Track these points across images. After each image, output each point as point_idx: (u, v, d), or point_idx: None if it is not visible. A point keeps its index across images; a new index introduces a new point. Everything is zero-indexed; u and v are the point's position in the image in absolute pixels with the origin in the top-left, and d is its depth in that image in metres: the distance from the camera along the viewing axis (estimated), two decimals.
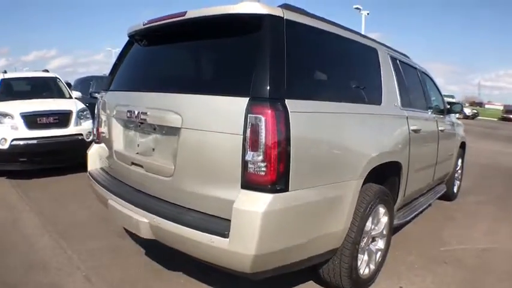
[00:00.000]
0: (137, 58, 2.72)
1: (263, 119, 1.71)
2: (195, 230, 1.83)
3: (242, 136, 1.76)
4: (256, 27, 1.88)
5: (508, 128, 25.45)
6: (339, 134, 2.11)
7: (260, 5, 1.90)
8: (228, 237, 1.74)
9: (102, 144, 2.84)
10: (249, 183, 1.76)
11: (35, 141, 5.03)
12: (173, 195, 2.11)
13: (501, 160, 9.19)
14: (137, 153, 2.40)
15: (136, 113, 2.27)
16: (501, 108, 53.07)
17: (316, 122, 1.96)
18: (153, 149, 2.29)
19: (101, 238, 3.24)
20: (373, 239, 2.60)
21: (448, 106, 4.53)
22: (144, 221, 2.07)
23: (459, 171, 5.20)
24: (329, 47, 2.35)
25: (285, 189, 1.76)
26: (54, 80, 6.64)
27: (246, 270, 1.79)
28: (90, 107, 5.79)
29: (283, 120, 1.74)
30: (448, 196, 4.80)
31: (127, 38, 2.81)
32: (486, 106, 52.88)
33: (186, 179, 2.02)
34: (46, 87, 6.42)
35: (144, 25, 2.45)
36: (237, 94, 1.82)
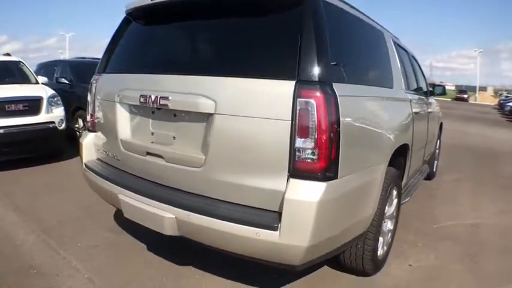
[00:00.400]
0: (145, 37, 2.48)
1: (314, 103, 1.63)
2: (235, 224, 1.72)
3: (290, 122, 1.67)
4: (300, 6, 1.78)
5: (462, 107, 27.28)
6: (374, 118, 2.11)
7: None
8: (277, 230, 1.66)
9: (99, 133, 2.59)
10: (299, 171, 1.67)
11: (2, 131, 4.54)
12: (203, 187, 1.96)
13: (464, 139, 9.80)
14: (152, 142, 2.20)
15: (153, 98, 2.05)
16: (453, 88, 56.44)
17: (357, 106, 1.92)
18: (174, 137, 2.11)
19: (93, 235, 3.00)
20: (385, 221, 2.64)
21: (431, 89, 4.69)
22: (169, 216, 1.92)
23: (437, 151, 5.46)
24: (356, 30, 2.34)
25: (335, 176, 1.71)
26: (17, 64, 5.98)
27: (295, 263, 1.73)
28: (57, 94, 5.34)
29: (333, 104, 1.67)
30: (429, 175, 5.02)
31: (122, 17, 2.56)
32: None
33: (220, 169, 1.88)
34: (9, 72, 5.76)
35: (152, 0, 2.22)
36: (281, 77, 1.72)
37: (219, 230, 1.77)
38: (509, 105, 23.21)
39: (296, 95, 1.65)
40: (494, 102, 34.68)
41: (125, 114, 2.34)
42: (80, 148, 2.69)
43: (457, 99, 38.93)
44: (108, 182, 2.31)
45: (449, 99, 38.41)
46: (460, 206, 4.20)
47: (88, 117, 2.71)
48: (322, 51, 1.71)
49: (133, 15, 2.51)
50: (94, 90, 2.60)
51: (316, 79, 1.67)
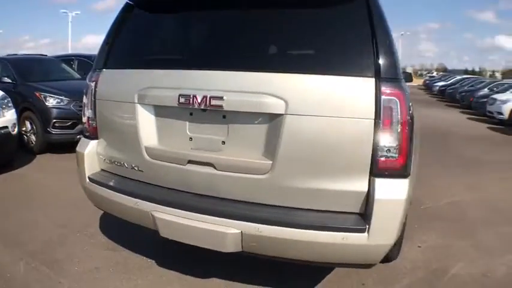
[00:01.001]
0: (173, 24, 2.20)
1: (397, 101, 1.62)
2: (318, 231, 1.64)
3: (373, 120, 1.62)
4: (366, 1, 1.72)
5: None
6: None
7: None
8: (365, 232, 1.62)
9: (104, 140, 2.27)
10: (383, 170, 1.64)
11: None
12: (269, 195, 1.79)
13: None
14: (192, 148, 1.95)
15: (199, 98, 1.81)
16: None
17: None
18: (223, 142, 1.89)
19: (90, 255, 2.64)
20: None
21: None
22: (233, 232, 1.73)
23: None
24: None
25: (410, 172, 1.71)
26: None
27: (376, 261, 1.71)
28: None
29: (408, 101, 1.67)
30: None
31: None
32: None
33: (291, 174, 1.74)
34: None
35: None
36: (356, 73, 1.66)
37: (297, 240, 1.66)
38: (437, 85, 25.61)
39: (379, 93, 1.61)
40: (417, 82, 37.64)
41: (148, 117, 2.04)
42: (78, 158, 2.33)
43: None
44: (133, 198, 2.01)
45: None
46: (434, 187, 4.46)
47: (85, 122, 2.35)
48: (394, 45, 1.68)
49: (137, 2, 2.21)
50: (93, 90, 2.25)
51: (396, 76, 1.65)
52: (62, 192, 3.92)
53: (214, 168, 1.87)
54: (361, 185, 1.67)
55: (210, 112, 1.87)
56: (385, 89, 1.62)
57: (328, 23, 1.80)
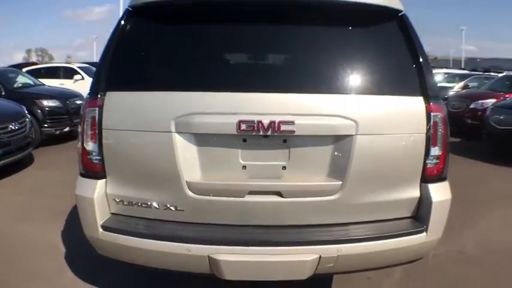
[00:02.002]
0: (215, 40, 1.87)
1: (441, 116, 1.82)
2: (390, 239, 1.77)
3: (425, 134, 1.80)
4: (406, 25, 1.87)
5: None
6: None
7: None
8: (424, 231, 1.81)
9: (113, 178, 1.85)
10: (431, 176, 1.85)
11: None
12: (340, 214, 1.82)
13: None
14: (250, 178, 1.79)
15: (265, 123, 1.67)
16: None
17: None
18: (284, 167, 1.80)
19: None
20: None
21: None
22: (312, 258, 1.70)
23: None
24: None
25: (447, 174, 1.93)
26: None
27: (427, 254, 1.99)
28: None
29: (447, 115, 1.88)
30: None
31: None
32: None
33: (360, 191, 1.79)
34: None
35: None
36: (411, 94, 1.81)
37: (374, 251, 1.75)
38: None
39: (428, 110, 1.80)
40: None
41: (189, 147, 1.75)
42: (82, 205, 1.85)
43: None
44: (182, 244, 1.71)
45: None
46: None
47: (84, 157, 1.87)
48: (430, 66, 1.88)
49: (185, 9, 1.85)
50: (97, 118, 1.81)
51: (437, 94, 1.86)
52: None
53: (281, 196, 1.77)
54: (415, 192, 1.86)
55: (271, 137, 1.73)
56: (432, 106, 1.81)
57: (386, 49, 1.91)
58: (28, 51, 74.24)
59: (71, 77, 11.08)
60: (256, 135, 1.71)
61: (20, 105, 5.71)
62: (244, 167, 1.79)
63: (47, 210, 3.70)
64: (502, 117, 5.88)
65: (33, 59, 62.88)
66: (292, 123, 1.69)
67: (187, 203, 1.79)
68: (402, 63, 1.85)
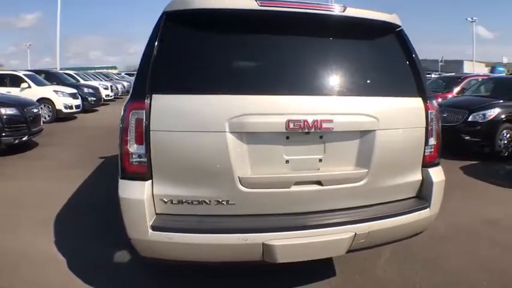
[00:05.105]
0: (264, 46, 2.07)
1: (435, 113, 2.26)
2: (407, 215, 2.12)
3: (425, 127, 2.22)
4: (404, 39, 2.27)
5: None
6: None
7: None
8: (428, 207, 2.21)
9: (160, 179, 1.89)
10: (428, 161, 2.27)
11: None
12: (363, 198, 2.13)
13: None
14: (294, 170, 2.00)
15: (310, 122, 1.92)
16: None
17: None
18: (320, 160, 2.04)
19: None
20: None
21: None
22: (348, 236, 1.97)
23: None
24: None
25: (439, 160, 2.36)
26: None
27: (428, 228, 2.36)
28: None
29: (439, 112, 2.35)
30: None
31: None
32: None
33: (380, 177, 2.12)
34: None
35: (261, 5, 1.95)
36: (409, 94, 2.22)
37: (396, 225, 2.10)
38: None
39: (426, 108, 2.22)
40: None
41: (240, 145, 1.89)
42: (129, 207, 1.85)
43: None
44: (238, 234, 1.84)
45: None
46: None
47: (127, 160, 1.88)
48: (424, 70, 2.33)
49: (216, 16, 2.00)
50: (144, 120, 1.84)
51: (431, 95, 2.28)
52: None
53: (321, 184, 2.03)
54: (418, 175, 2.27)
55: (311, 134, 1.97)
56: (429, 105, 2.23)
57: (394, 60, 2.29)
58: None
59: (17, 85, 10.35)
60: (298, 133, 1.94)
61: None
62: (287, 161, 2.00)
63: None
64: (444, 115, 6.42)
65: None
66: (331, 121, 1.97)
67: (238, 196, 1.93)
68: (406, 71, 2.26)
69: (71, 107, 10.86)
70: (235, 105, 1.89)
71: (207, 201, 1.92)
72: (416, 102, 2.23)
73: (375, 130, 2.08)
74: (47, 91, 10.62)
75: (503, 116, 6.11)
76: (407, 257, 2.91)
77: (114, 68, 55.08)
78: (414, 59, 2.27)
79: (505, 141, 6.15)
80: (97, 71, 28.99)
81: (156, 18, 2.03)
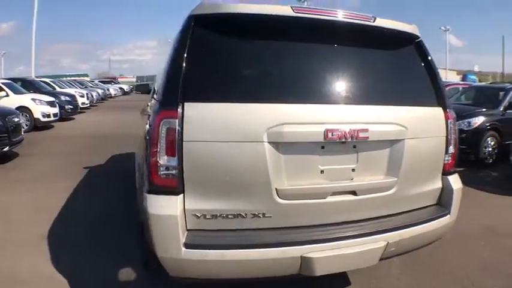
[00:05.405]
0: (289, 56, 2.01)
1: (453, 122, 2.32)
2: (432, 222, 2.15)
3: (445, 136, 2.27)
4: (423, 49, 2.32)
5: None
6: None
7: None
8: (448, 214, 2.25)
9: (193, 193, 1.79)
10: (448, 169, 2.31)
11: None
12: (396, 206, 2.15)
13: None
14: (330, 180, 1.97)
15: (347, 131, 1.90)
16: (134, 80, 60.81)
17: None
18: (353, 170, 2.02)
19: None
20: None
21: None
22: (381, 245, 1.96)
23: None
24: None
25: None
26: None
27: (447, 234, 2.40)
28: None
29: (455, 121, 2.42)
30: None
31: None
32: (119, 80, 56.86)
33: (409, 185, 2.14)
34: None
35: (296, 11, 1.92)
36: (432, 104, 2.26)
37: (421, 233, 2.11)
38: None
39: (446, 117, 2.27)
40: None
41: (277, 156, 1.83)
42: (159, 224, 1.73)
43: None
44: (277, 249, 1.76)
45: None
46: None
47: (156, 173, 1.76)
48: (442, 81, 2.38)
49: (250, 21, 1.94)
50: (177, 130, 1.74)
51: (450, 105, 2.33)
52: None
53: (355, 194, 2.02)
54: (439, 183, 2.31)
55: (347, 144, 1.95)
56: (449, 115, 2.29)
57: (418, 71, 2.31)
58: None
59: None
60: (334, 142, 1.91)
61: None
62: (322, 171, 1.95)
63: None
64: None
65: None
66: (366, 130, 1.96)
67: (275, 209, 1.86)
68: (428, 82, 2.30)
69: (48, 116, 10.35)
70: (274, 114, 1.83)
71: (243, 215, 1.84)
72: (438, 112, 2.28)
73: (404, 139, 2.10)
74: (25, 99, 10.11)
75: (487, 124, 6.34)
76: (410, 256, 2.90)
77: (86, 75, 53.50)
78: (433, 68, 2.32)
79: (490, 149, 6.38)
80: (69, 78, 28.08)
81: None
